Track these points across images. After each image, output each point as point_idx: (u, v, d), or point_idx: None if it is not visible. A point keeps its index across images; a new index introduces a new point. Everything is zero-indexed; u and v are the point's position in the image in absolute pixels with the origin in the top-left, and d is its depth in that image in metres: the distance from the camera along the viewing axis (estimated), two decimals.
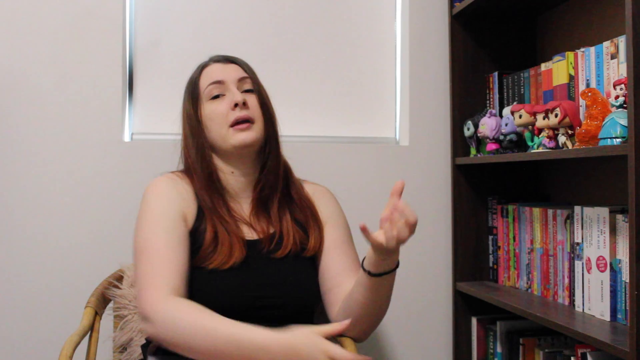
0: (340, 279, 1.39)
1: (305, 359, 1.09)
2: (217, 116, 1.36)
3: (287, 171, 1.47)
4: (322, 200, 1.48)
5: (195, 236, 1.32)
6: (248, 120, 1.36)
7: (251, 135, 1.35)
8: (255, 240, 1.36)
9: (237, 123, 1.35)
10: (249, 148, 1.37)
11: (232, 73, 1.40)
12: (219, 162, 1.40)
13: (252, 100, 1.38)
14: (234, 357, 1.14)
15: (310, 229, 1.42)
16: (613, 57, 1.38)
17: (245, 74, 1.41)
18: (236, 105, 1.34)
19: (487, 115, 1.77)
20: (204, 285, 1.29)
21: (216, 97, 1.38)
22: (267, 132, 1.39)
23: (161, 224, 1.29)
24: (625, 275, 1.35)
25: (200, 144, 1.37)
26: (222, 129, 1.36)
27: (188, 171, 1.41)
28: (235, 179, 1.40)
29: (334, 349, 1.09)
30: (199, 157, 1.37)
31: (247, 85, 1.40)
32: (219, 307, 1.22)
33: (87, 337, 1.41)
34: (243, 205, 1.41)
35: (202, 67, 1.43)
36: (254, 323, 1.21)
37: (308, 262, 1.41)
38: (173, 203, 1.32)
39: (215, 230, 1.32)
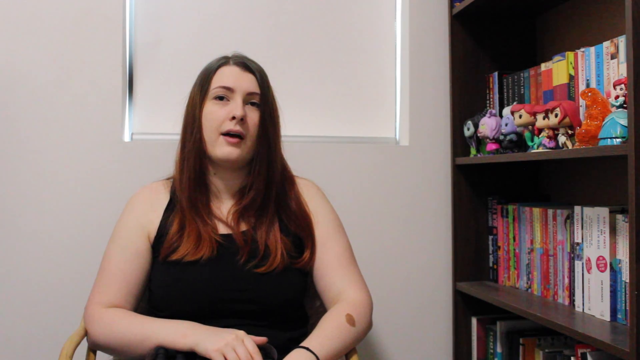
0: (328, 278, 1.41)
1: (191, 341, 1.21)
2: (213, 119, 1.36)
3: (285, 181, 1.46)
4: (307, 196, 1.48)
5: (162, 232, 1.38)
6: (239, 136, 1.36)
7: (237, 152, 1.36)
8: (228, 235, 1.38)
9: (228, 135, 1.36)
10: (232, 162, 1.38)
11: (244, 84, 1.38)
12: (206, 160, 1.41)
13: (253, 116, 1.38)
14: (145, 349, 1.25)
15: (305, 245, 1.42)
16: (613, 57, 1.38)
17: (257, 90, 1.39)
18: (234, 117, 1.35)
19: (487, 115, 1.78)
20: (168, 276, 1.33)
21: (221, 98, 1.38)
22: (257, 150, 1.39)
23: (118, 240, 1.39)
24: (625, 275, 1.35)
25: (198, 137, 1.38)
26: (213, 134, 1.37)
27: (177, 166, 1.42)
28: (217, 180, 1.43)
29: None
30: (194, 149, 1.38)
31: (255, 99, 1.39)
32: (186, 298, 1.31)
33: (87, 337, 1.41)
34: (223, 205, 1.42)
35: (221, 63, 1.41)
36: (227, 317, 1.30)
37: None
38: (136, 218, 1.40)
39: (183, 223, 1.36)
